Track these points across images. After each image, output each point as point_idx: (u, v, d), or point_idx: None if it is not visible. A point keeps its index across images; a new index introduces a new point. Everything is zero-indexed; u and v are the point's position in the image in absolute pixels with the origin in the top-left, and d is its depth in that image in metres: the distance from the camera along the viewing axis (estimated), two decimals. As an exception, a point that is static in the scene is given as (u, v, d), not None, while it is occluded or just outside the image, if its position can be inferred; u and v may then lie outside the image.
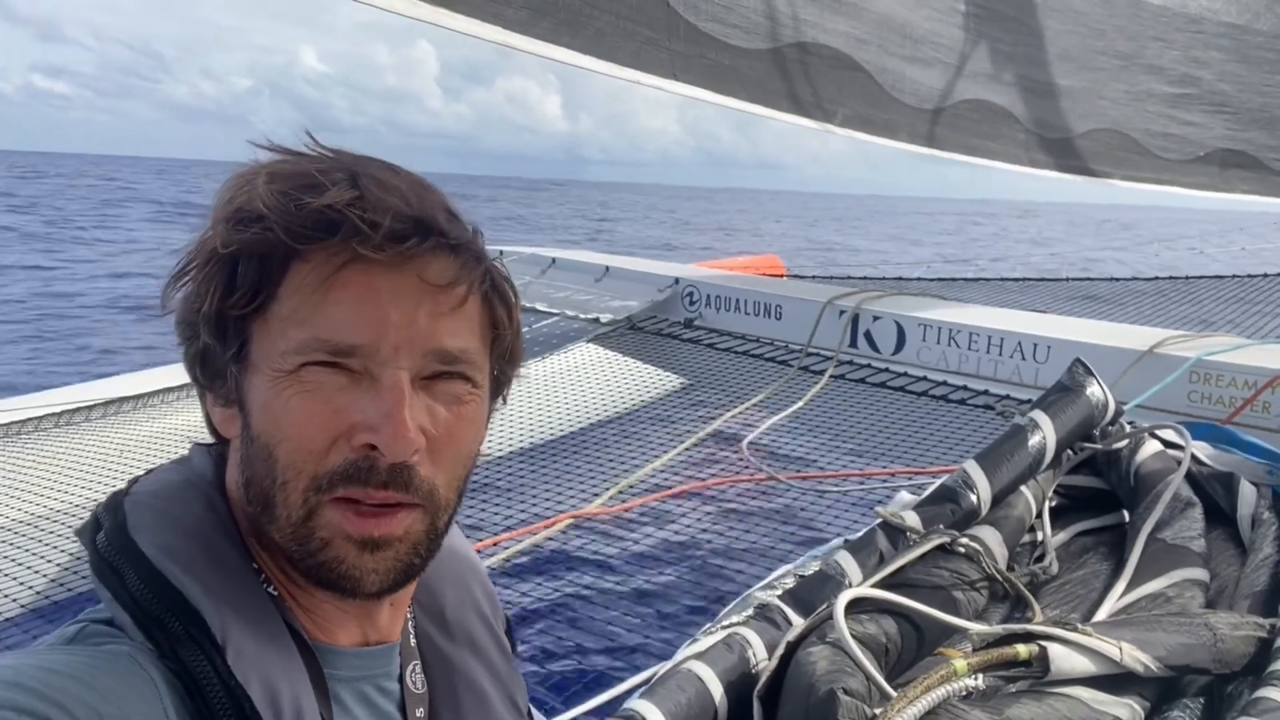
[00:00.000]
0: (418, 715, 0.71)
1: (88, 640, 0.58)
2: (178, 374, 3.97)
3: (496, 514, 3.19)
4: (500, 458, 3.76)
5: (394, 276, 0.60)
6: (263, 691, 0.58)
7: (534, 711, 0.87)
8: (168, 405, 4.38)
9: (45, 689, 0.52)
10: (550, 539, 2.99)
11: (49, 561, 2.77)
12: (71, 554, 2.79)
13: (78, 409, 4.31)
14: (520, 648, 2.34)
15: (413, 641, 0.73)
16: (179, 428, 4.02)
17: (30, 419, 4.31)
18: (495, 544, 2.92)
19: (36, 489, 3.40)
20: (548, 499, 3.32)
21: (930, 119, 4.07)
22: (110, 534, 0.61)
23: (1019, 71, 4.33)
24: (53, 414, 4.32)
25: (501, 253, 6.90)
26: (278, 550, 0.63)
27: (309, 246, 0.59)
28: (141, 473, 0.67)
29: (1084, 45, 4.49)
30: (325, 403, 0.60)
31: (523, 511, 3.20)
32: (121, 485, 0.66)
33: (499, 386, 0.71)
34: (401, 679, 0.71)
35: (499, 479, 3.54)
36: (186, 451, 0.69)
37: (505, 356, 0.70)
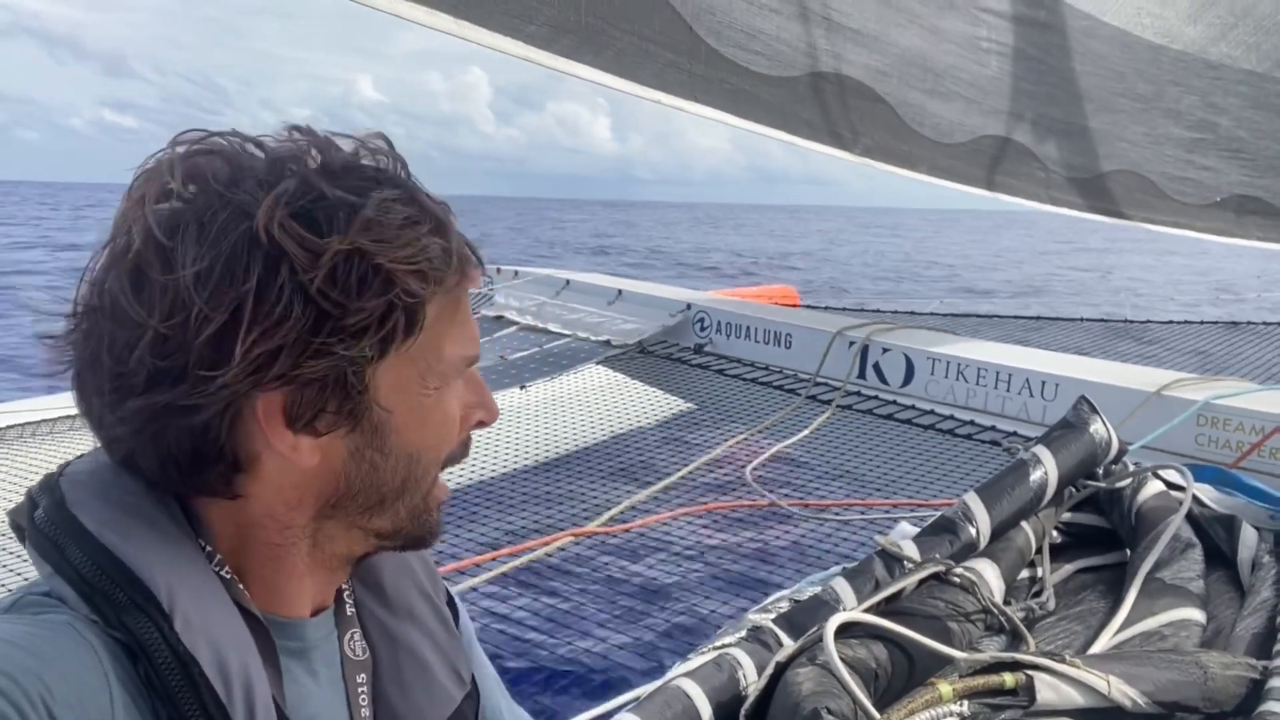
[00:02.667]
0: (358, 680, 0.72)
1: (24, 610, 0.59)
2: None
3: (498, 528, 3.19)
4: (505, 473, 3.77)
5: (472, 282, 0.70)
6: (211, 657, 0.59)
7: (502, 693, 0.89)
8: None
9: None
10: (550, 554, 2.99)
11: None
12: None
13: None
14: (512, 664, 2.34)
15: (349, 611, 0.74)
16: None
17: (46, 420, 4.35)
18: (494, 558, 2.92)
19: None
20: (549, 515, 3.32)
21: (950, 153, 4.09)
22: (49, 510, 0.61)
23: (1040, 110, 4.35)
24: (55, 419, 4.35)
25: (517, 273, 6.97)
26: (379, 532, 0.70)
27: (449, 287, 0.66)
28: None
29: (1104, 87, 4.50)
30: (460, 402, 0.70)
31: (524, 526, 3.20)
32: None
33: None
34: (340, 647, 0.72)
35: (502, 493, 3.55)
36: None
37: None
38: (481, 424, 0.72)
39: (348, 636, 0.73)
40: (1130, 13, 4.54)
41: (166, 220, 0.59)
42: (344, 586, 0.75)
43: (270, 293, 0.58)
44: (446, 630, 0.80)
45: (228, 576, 0.64)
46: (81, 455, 0.67)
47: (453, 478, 4.17)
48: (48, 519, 0.61)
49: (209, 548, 0.64)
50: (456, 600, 0.86)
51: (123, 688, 0.56)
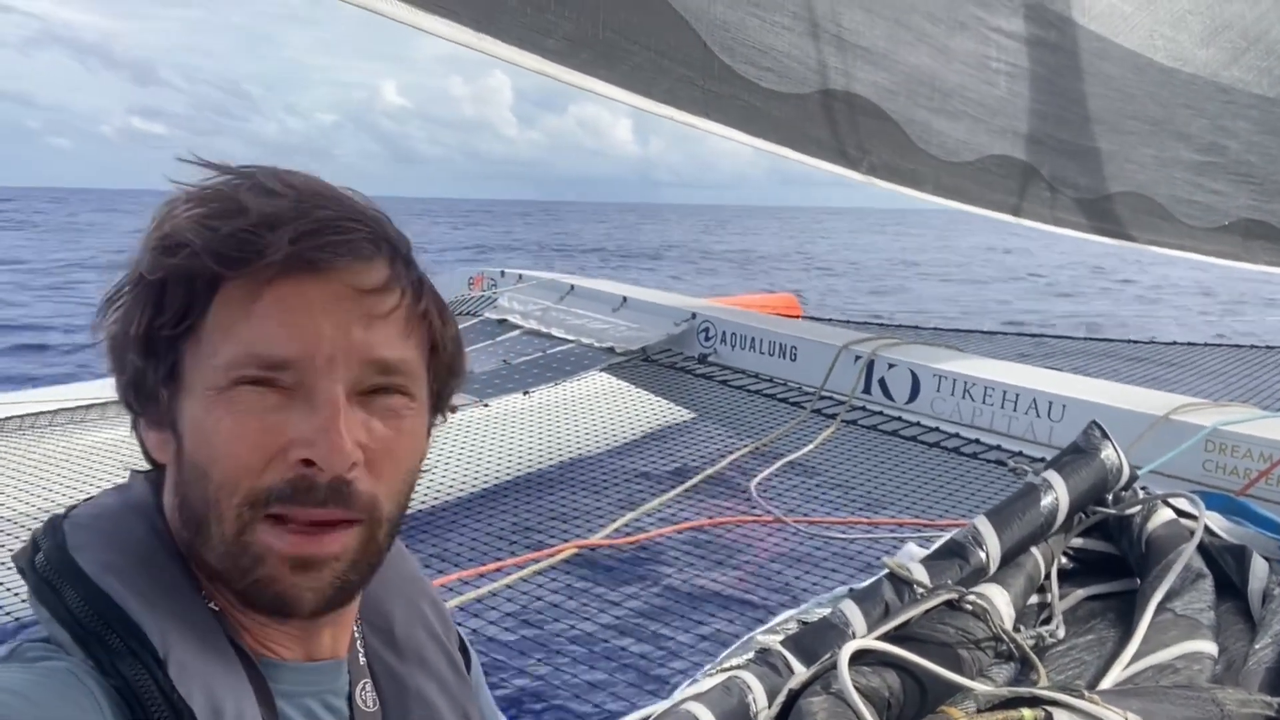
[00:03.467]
0: None
1: (24, 657, 0.58)
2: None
3: (500, 540, 3.18)
4: (507, 482, 3.76)
5: (323, 285, 0.60)
6: (205, 705, 0.58)
7: None
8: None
9: None
10: (553, 568, 2.98)
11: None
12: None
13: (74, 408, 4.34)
14: (517, 680, 2.32)
15: (362, 660, 0.73)
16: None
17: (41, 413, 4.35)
18: (498, 569, 2.91)
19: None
20: (553, 527, 3.31)
21: (955, 172, 4.09)
22: (49, 554, 0.61)
23: (1048, 130, 4.35)
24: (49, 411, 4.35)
25: (521, 277, 6.97)
26: (214, 574, 0.62)
27: (235, 270, 0.59)
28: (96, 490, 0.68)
29: (1114, 108, 4.51)
30: (259, 420, 0.59)
31: (527, 538, 3.19)
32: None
33: (440, 401, 0.70)
34: (351, 698, 0.70)
35: (504, 504, 3.54)
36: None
37: (446, 370, 0.69)
38: (309, 463, 0.59)
39: (360, 687, 0.71)
40: (1143, 35, 4.55)
41: None
42: (356, 635, 0.73)
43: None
44: (457, 676, 0.78)
45: (216, 609, 0.63)
46: (90, 498, 0.66)
47: (452, 484, 4.13)
48: (47, 562, 0.60)
49: (205, 590, 0.63)
50: (469, 645, 0.84)
51: None
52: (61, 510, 0.65)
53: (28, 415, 4.36)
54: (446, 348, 0.68)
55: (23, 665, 0.57)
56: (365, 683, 0.72)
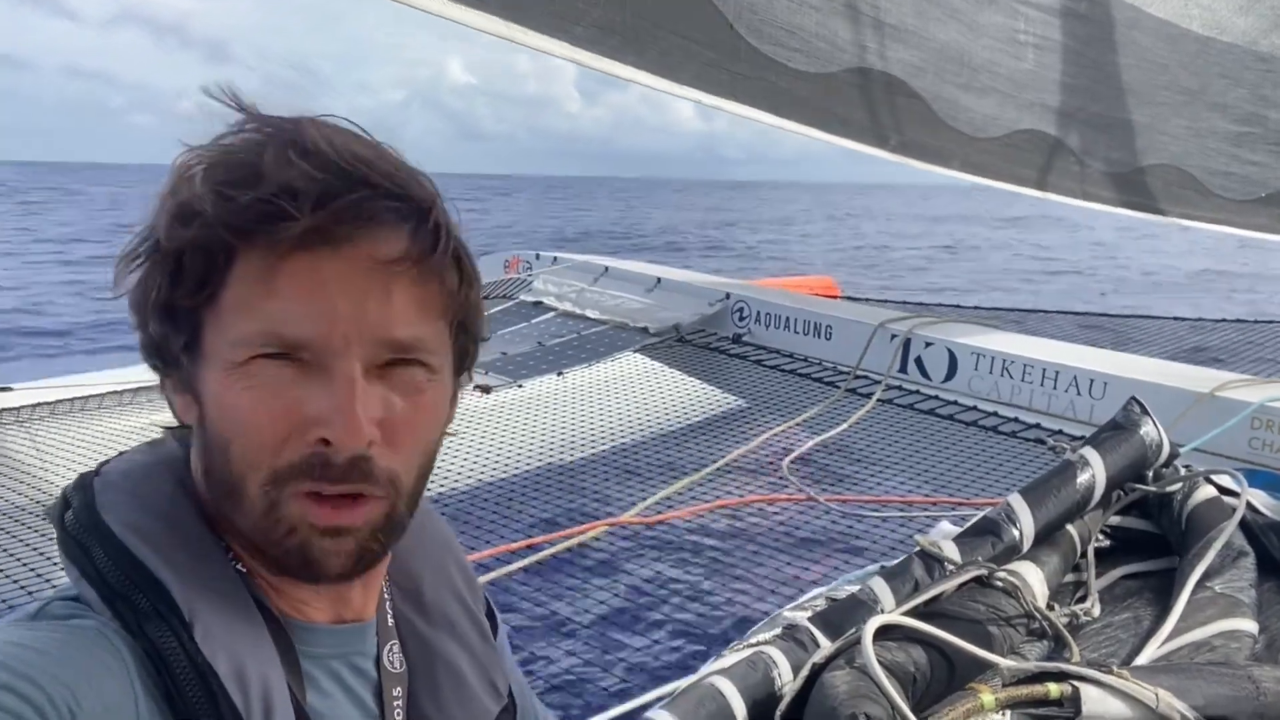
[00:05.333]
0: (394, 694, 0.70)
1: (53, 616, 0.58)
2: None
3: (533, 517, 3.20)
4: (539, 462, 3.78)
5: (340, 259, 0.59)
6: (230, 668, 0.58)
7: (533, 699, 0.85)
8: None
9: (13, 662, 0.52)
10: (585, 545, 2.99)
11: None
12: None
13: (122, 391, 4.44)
14: (546, 656, 2.34)
15: (390, 621, 0.73)
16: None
17: (87, 396, 4.46)
18: (530, 546, 2.93)
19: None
20: (585, 505, 3.32)
21: (984, 148, 4.03)
22: (78, 512, 0.61)
23: (1077, 104, 4.27)
24: (99, 394, 4.46)
25: (556, 259, 6.98)
26: (243, 537, 0.63)
27: (251, 241, 0.58)
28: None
29: (1146, 80, 4.40)
30: (276, 397, 0.59)
31: (559, 515, 3.21)
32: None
33: (462, 363, 0.69)
34: (379, 659, 0.70)
35: (537, 481, 3.56)
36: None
37: (468, 335, 0.68)
38: (325, 442, 0.58)
39: (387, 648, 0.71)
40: (1177, 4, 4.44)
41: None
42: (385, 596, 0.73)
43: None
44: (484, 641, 0.78)
45: (243, 570, 0.63)
46: (122, 453, 0.67)
47: (485, 464, 4.15)
48: (76, 521, 0.61)
49: (232, 550, 0.64)
50: (495, 610, 0.84)
51: (149, 695, 0.56)
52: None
53: (79, 398, 4.47)
54: (471, 315, 0.67)
55: (51, 623, 0.58)
56: (393, 644, 0.72)
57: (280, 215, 0.57)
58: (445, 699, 0.73)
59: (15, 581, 2.69)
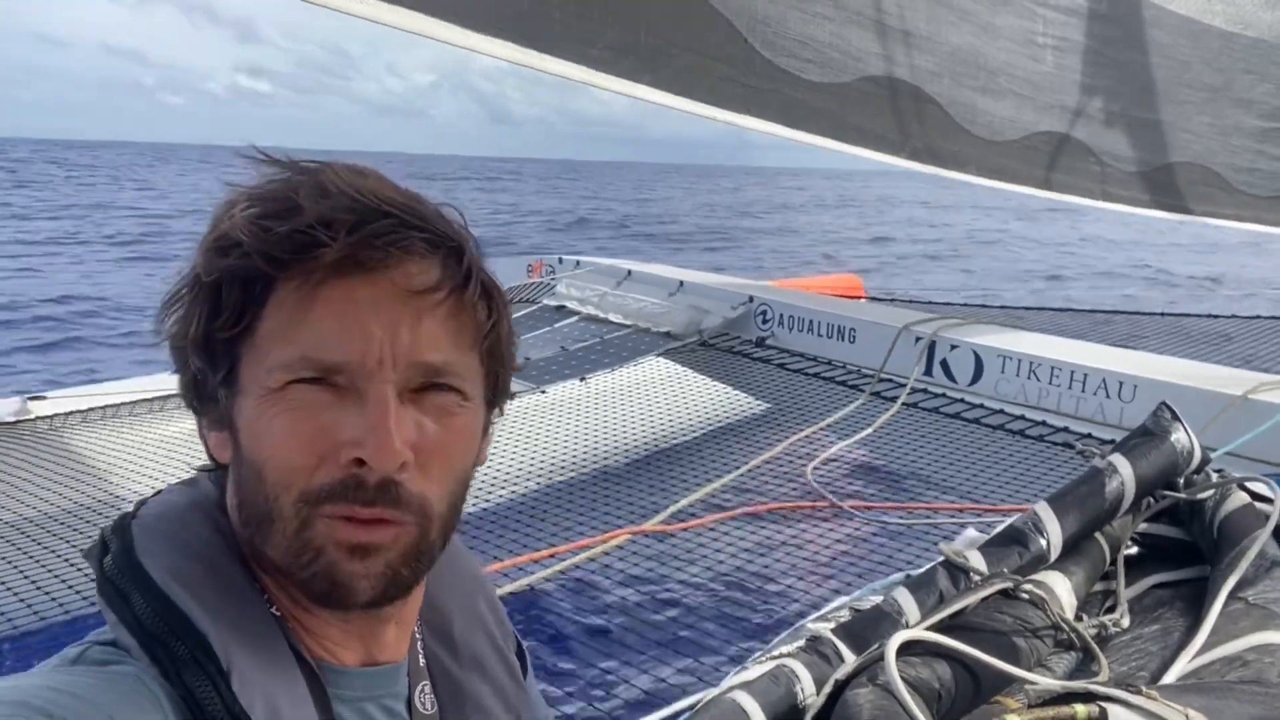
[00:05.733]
0: None
1: (92, 661, 0.59)
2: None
3: (555, 526, 3.20)
4: (561, 468, 3.78)
5: (373, 286, 0.60)
6: (265, 715, 0.58)
7: None
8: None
9: (51, 708, 0.52)
10: (606, 554, 2.99)
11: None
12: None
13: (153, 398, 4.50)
14: (569, 666, 2.34)
15: (421, 662, 0.73)
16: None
17: (123, 404, 4.52)
18: (552, 555, 2.93)
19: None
20: (606, 513, 3.32)
21: (1001, 151, 4.01)
22: (117, 557, 0.62)
23: (1098, 104, 4.23)
24: (145, 400, 4.52)
25: (579, 263, 7.00)
26: (276, 570, 0.63)
27: (287, 271, 0.60)
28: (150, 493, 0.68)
29: (1168, 78, 4.35)
30: (312, 419, 0.60)
31: (580, 524, 3.20)
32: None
33: (496, 395, 0.70)
34: (410, 700, 0.70)
35: (559, 489, 3.56)
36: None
37: (501, 366, 0.69)
38: (361, 462, 0.60)
39: (419, 690, 0.71)
40: (1199, 1, 4.38)
41: None
42: (417, 636, 0.73)
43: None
44: (514, 681, 0.78)
45: (277, 615, 0.64)
46: (159, 491, 0.68)
47: (506, 473, 4.16)
48: (115, 566, 0.61)
49: (268, 595, 0.64)
50: (525, 649, 0.84)
51: None
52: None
53: (110, 405, 4.53)
54: (501, 345, 0.68)
55: (89, 668, 0.58)
56: (424, 685, 0.72)
57: (316, 244, 0.59)
58: None
59: (49, 596, 2.71)
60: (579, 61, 2.68)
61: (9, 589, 2.75)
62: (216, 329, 0.61)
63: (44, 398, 4.58)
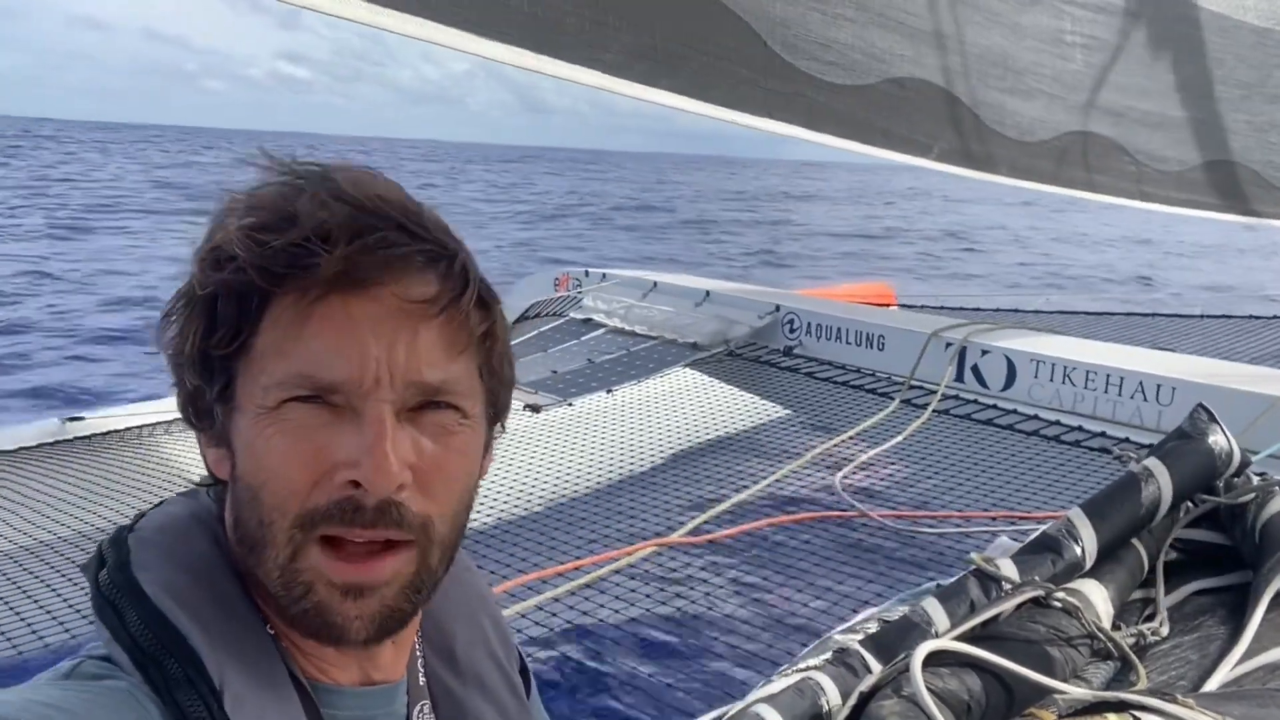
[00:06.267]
0: None
1: (85, 675, 0.58)
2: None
3: (580, 537, 3.19)
4: (589, 480, 3.77)
5: (369, 300, 0.59)
6: None
7: None
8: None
9: None
10: (631, 565, 2.97)
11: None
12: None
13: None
14: (592, 679, 2.32)
15: (421, 680, 0.71)
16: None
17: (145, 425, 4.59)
18: (576, 568, 2.91)
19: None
20: (632, 524, 3.30)
21: (1032, 152, 3.95)
22: (112, 571, 0.61)
23: (1129, 103, 4.16)
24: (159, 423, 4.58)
25: (605, 275, 7.01)
26: (268, 595, 0.62)
27: (283, 286, 0.58)
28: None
29: (1201, 75, 4.28)
30: (307, 440, 0.59)
31: (605, 536, 3.19)
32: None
33: (498, 410, 0.68)
34: (409, 719, 0.69)
35: (585, 501, 3.55)
36: None
37: (499, 381, 0.67)
38: (355, 485, 0.58)
39: (418, 709, 0.70)
40: (1231, -3, 4.32)
41: None
42: (417, 654, 0.72)
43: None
44: (516, 700, 0.77)
45: (273, 634, 0.63)
46: (161, 502, 0.67)
47: (535, 486, 4.15)
48: (110, 581, 0.60)
49: (263, 612, 0.63)
50: (529, 666, 0.83)
51: None
52: None
53: (160, 424, 4.60)
54: (499, 359, 0.67)
55: (82, 683, 0.58)
56: (424, 704, 0.71)
57: (312, 258, 0.57)
58: None
59: (84, 616, 2.72)
60: (590, 66, 2.66)
61: (44, 609, 2.78)
62: (213, 345, 0.60)
63: (82, 418, 4.66)
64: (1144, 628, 1.27)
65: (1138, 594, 1.38)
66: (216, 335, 0.60)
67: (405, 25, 2.19)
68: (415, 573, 0.61)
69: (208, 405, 0.62)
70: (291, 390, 0.58)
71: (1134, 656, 1.14)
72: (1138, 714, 0.73)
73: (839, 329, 5.19)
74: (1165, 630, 1.28)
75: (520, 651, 0.81)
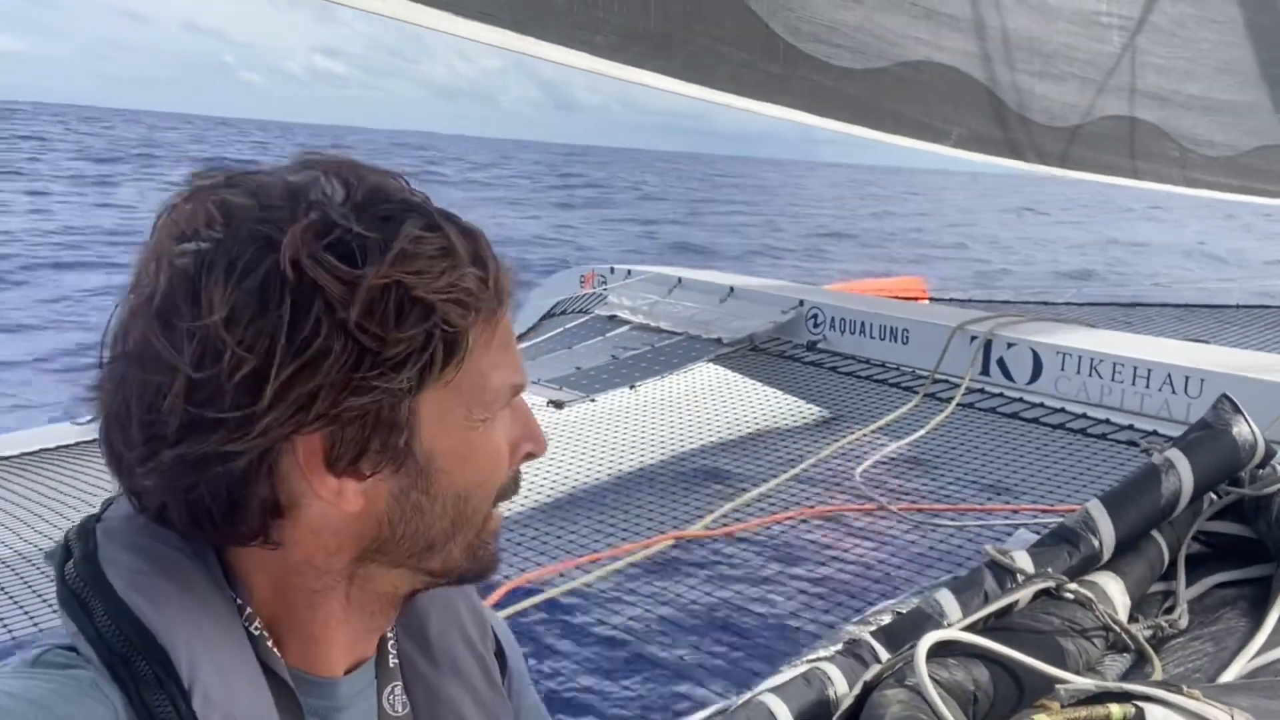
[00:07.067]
0: None
1: (50, 665, 0.58)
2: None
3: (600, 529, 3.20)
4: (611, 475, 3.78)
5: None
6: None
7: None
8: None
9: (3, 714, 0.52)
10: (651, 558, 2.97)
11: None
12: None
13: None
14: (611, 671, 2.33)
15: (392, 663, 0.72)
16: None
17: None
18: (596, 560, 2.93)
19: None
20: (652, 517, 3.31)
21: (1065, 137, 3.85)
22: (79, 564, 0.59)
23: (1172, 86, 4.05)
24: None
25: (630, 272, 7.02)
26: (426, 569, 0.67)
27: (494, 319, 0.65)
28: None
29: (1248, 57, 4.15)
30: (509, 433, 0.68)
31: (625, 529, 3.20)
32: None
33: None
34: (379, 701, 0.69)
35: (606, 495, 3.56)
36: None
37: None
38: (531, 455, 0.70)
39: (388, 691, 0.70)
40: (1274, -26, 4.20)
41: (193, 260, 0.57)
42: (388, 636, 0.72)
43: (304, 329, 0.55)
44: (490, 685, 0.76)
45: (257, 633, 0.62)
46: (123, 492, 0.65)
47: (556, 480, 4.17)
48: (77, 573, 0.59)
49: (241, 602, 0.62)
50: (506, 649, 0.82)
51: None
52: None
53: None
54: None
55: (45, 673, 0.57)
56: (395, 685, 0.71)
57: (501, 290, 0.65)
58: None
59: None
60: (580, 48, 2.61)
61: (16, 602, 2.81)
62: (445, 370, 0.62)
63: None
64: (1162, 620, 1.26)
65: (1159, 586, 1.37)
66: (452, 362, 0.62)
67: (385, 6, 2.18)
68: None
69: (393, 443, 0.61)
70: (505, 400, 0.67)
71: (1149, 648, 1.13)
72: (1141, 705, 0.72)
73: (863, 323, 5.16)
74: (1184, 623, 1.26)
75: (498, 636, 0.81)
